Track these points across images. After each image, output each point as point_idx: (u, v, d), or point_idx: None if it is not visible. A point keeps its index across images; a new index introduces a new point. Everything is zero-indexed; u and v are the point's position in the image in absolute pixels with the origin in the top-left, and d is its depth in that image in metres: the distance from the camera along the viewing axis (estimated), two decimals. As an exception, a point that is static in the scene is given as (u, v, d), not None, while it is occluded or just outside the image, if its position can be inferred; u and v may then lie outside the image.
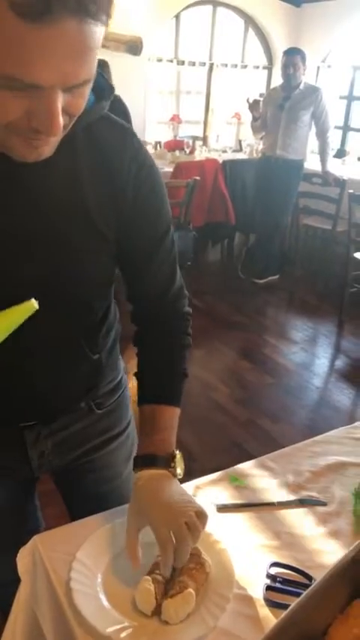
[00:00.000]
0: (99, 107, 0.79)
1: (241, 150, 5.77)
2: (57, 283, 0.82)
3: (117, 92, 0.91)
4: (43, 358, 0.89)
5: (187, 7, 5.38)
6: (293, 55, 4.16)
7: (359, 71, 5.77)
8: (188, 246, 3.96)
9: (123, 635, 0.75)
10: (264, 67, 6.26)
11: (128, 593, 0.81)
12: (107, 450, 1.08)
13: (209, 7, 5.67)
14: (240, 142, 5.93)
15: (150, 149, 4.89)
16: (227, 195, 4.82)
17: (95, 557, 0.86)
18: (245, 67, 6.12)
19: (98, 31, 0.59)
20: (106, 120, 0.82)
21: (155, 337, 0.99)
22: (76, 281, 0.84)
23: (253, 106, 4.55)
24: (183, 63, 5.65)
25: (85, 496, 1.10)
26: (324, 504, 1.02)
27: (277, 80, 5.92)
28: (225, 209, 4.81)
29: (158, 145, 5.30)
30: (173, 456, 0.89)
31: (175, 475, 0.88)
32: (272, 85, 5.95)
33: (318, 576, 0.67)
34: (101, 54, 0.63)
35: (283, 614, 0.60)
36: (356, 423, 1.28)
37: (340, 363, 3.67)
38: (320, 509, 1.01)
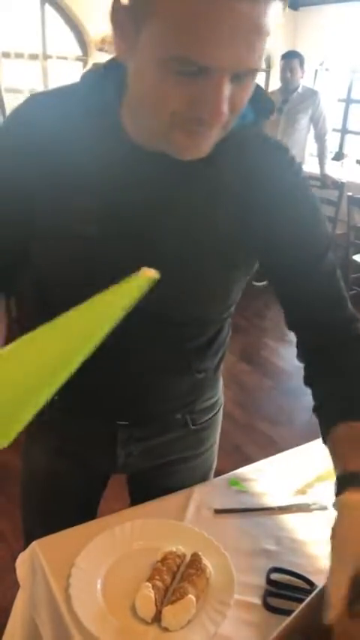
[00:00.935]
0: (256, 125, 0.77)
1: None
2: (180, 298, 0.79)
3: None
4: (150, 366, 0.89)
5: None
6: (291, 59, 4.17)
7: (357, 74, 5.78)
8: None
9: (123, 641, 0.74)
10: (262, 70, 6.27)
11: (128, 599, 0.80)
12: (189, 466, 1.09)
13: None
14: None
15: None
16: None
17: (95, 563, 0.85)
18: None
19: (272, 17, 0.58)
20: (261, 139, 0.80)
21: (330, 363, 0.84)
22: (198, 299, 0.82)
23: None
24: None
25: (151, 498, 1.05)
26: (325, 509, 1.02)
27: (275, 83, 5.93)
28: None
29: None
30: None
31: None
32: (270, 88, 5.97)
33: (319, 582, 0.67)
34: (100, 57, 0.63)
35: (286, 620, 0.59)
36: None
37: None
38: (321, 513, 1.01)
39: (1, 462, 2.39)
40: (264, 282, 4.47)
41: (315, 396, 0.85)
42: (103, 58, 5.33)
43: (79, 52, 5.45)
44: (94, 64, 0.80)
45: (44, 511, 1.10)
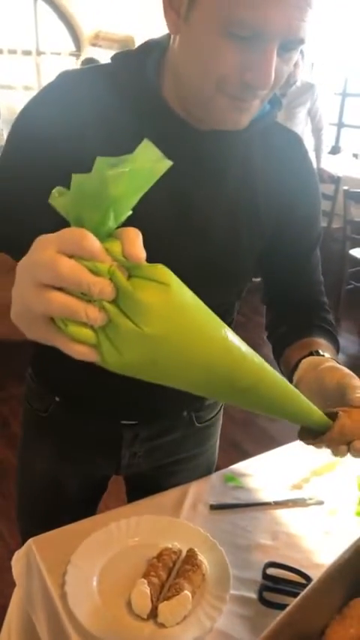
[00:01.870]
0: (273, 113, 0.82)
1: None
2: (205, 274, 0.80)
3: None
4: None
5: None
6: None
7: (353, 68, 5.77)
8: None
9: (119, 638, 0.74)
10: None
11: (124, 595, 0.80)
12: (193, 464, 1.09)
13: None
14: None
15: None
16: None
17: (90, 560, 0.85)
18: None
19: None
20: (279, 127, 0.87)
21: (293, 319, 0.94)
22: (225, 273, 0.85)
23: None
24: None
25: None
26: (321, 503, 1.02)
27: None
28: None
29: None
30: None
31: None
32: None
33: (315, 576, 0.67)
34: (93, 53, 0.63)
35: (280, 614, 0.59)
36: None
37: (339, 361, 3.66)
38: (317, 508, 1.01)
39: (-2, 460, 2.39)
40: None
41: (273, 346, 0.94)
42: (96, 53, 5.31)
43: (72, 48, 5.43)
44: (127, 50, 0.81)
45: (41, 512, 1.09)
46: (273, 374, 0.55)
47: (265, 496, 1.03)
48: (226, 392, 0.53)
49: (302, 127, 4.31)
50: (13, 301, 0.46)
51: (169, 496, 1.01)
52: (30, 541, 0.90)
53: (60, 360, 0.56)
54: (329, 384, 0.70)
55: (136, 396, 0.91)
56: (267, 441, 2.54)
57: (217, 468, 1.12)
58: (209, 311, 0.48)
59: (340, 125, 5.91)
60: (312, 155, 4.45)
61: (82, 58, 5.26)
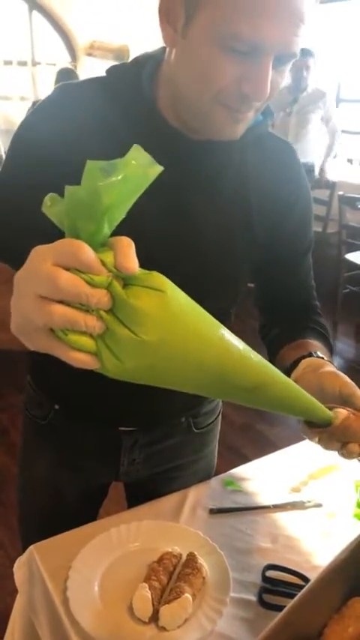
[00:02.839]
0: (265, 123, 0.84)
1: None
2: (200, 283, 0.81)
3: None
4: None
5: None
6: (306, 57, 4.10)
7: (346, 74, 5.82)
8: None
9: (120, 642, 0.75)
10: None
11: (125, 599, 0.81)
12: (192, 470, 1.10)
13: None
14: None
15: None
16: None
17: (91, 565, 0.86)
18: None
19: (312, 6, 0.65)
20: (272, 136, 0.89)
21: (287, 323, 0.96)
22: (220, 280, 0.87)
23: None
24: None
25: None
26: (319, 506, 1.03)
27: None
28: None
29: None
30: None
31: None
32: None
33: (314, 578, 0.68)
34: (89, 63, 0.65)
35: (279, 615, 0.60)
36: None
37: (335, 364, 3.65)
38: (315, 510, 1.02)
39: (-1, 468, 2.39)
40: None
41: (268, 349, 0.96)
42: (91, 63, 5.35)
43: (67, 58, 5.46)
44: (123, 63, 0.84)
45: (42, 519, 1.09)
46: (276, 372, 0.57)
47: (263, 499, 1.04)
48: (230, 391, 0.54)
49: (315, 133, 4.31)
50: (13, 314, 0.47)
51: (169, 501, 1.02)
52: (31, 547, 0.91)
53: (59, 368, 0.57)
54: (330, 389, 0.72)
55: (134, 403, 0.92)
56: (266, 446, 2.55)
57: (217, 473, 1.13)
58: (205, 313, 0.50)
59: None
60: (321, 157, 4.43)
61: (78, 67, 5.30)
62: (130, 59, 0.81)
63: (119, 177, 0.41)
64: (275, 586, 0.85)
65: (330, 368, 0.77)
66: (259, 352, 0.56)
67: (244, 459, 1.16)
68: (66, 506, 1.07)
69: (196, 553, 0.86)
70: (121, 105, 0.77)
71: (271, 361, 0.88)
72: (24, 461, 1.10)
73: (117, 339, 0.44)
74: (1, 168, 0.82)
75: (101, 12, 5.09)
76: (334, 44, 5.58)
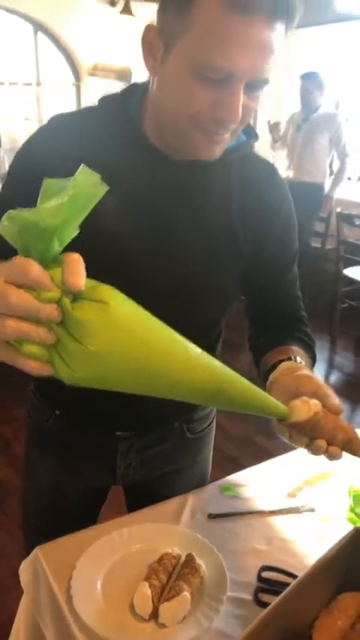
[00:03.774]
0: (249, 144, 0.90)
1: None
2: (187, 295, 0.88)
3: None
4: None
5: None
6: (307, 80, 4.25)
7: (343, 96, 5.93)
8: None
9: (122, 637, 0.79)
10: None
11: (127, 597, 0.85)
12: (187, 474, 1.14)
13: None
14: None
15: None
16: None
17: (95, 564, 0.90)
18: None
19: (281, 37, 0.70)
20: (255, 156, 0.94)
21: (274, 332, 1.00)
22: (206, 295, 0.91)
23: (273, 127, 4.63)
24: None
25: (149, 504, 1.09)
26: (312, 510, 1.06)
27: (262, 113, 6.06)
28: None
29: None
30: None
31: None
32: (261, 115, 6.12)
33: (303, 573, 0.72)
34: (93, 83, 0.71)
35: (268, 607, 0.64)
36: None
37: (334, 378, 3.71)
38: (309, 515, 1.06)
39: (0, 480, 2.42)
40: None
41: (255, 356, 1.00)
42: (95, 83, 5.46)
43: (72, 79, 5.58)
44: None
45: (45, 525, 1.13)
46: (233, 375, 0.61)
47: (260, 505, 1.08)
48: (188, 395, 0.58)
49: (324, 153, 4.36)
50: None
51: (169, 506, 1.06)
52: (37, 549, 0.95)
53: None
54: (305, 390, 0.76)
55: (129, 408, 0.96)
56: (265, 457, 2.57)
57: (214, 482, 1.16)
58: (156, 322, 0.53)
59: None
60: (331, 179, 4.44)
61: (83, 88, 5.41)
62: (131, 82, 0.88)
63: (65, 200, 0.45)
64: (270, 586, 0.89)
65: (306, 371, 0.81)
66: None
67: (242, 468, 1.19)
68: (67, 509, 1.11)
69: (194, 554, 0.90)
70: (111, 129, 0.84)
71: (257, 368, 0.92)
72: (27, 465, 1.14)
73: (68, 349, 0.48)
74: (2, 185, 0.89)
75: (104, 34, 5.21)
76: (334, 64, 5.70)
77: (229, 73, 0.69)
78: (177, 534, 0.96)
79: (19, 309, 0.46)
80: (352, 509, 1.06)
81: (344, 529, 1.01)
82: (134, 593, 0.84)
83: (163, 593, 0.85)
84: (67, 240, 0.47)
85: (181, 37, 0.70)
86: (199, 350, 0.57)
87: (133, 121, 0.84)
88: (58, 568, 0.90)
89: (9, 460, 2.57)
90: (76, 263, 0.47)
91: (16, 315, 0.46)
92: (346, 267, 3.95)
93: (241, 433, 2.78)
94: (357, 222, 3.76)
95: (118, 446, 1.04)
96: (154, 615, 0.82)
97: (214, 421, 1.18)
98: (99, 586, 0.87)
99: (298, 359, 0.86)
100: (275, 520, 1.04)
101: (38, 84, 5.37)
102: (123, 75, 5.11)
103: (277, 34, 0.69)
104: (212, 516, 1.04)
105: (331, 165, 4.62)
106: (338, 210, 3.97)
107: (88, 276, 0.48)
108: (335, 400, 0.74)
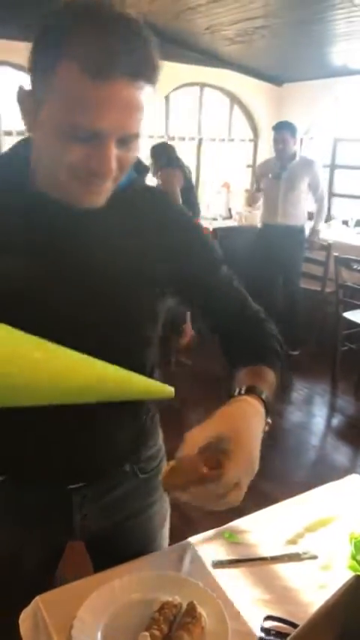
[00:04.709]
0: (141, 179, 1.02)
1: (230, 217, 6.02)
2: (110, 331, 0.90)
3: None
4: (90, 413, 0.87)
5: (176, 88, 5.76)
6: (280, 131, 4.40)
7: (340, 142, 6.12)
8: (182, 312, 4.05)
9: None
10: (250, 140, 6.61)
11: (127, 648, 0.84)
12: (146, 516, 1.13)
13: (197, 88, 6.06)
14: (230, 209, 6.18)
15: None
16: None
17: (95, 614, 0.89)
18: (232, 140, 6.47)
19: (144, 94, 0.75)
20: (147, 189, 1.03)
21: (242, 341, 1.00)
22: (128, 326, 0.93)
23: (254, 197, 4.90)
24: (173, 138, 5.97)
25: (114, 558, 1.06)
26: (315, 557, 1.06)
27: (263, 151, 6.23)
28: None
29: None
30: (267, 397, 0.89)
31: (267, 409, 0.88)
32: (258, 155, 6.29)
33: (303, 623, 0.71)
34: None
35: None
36: (346, 478, 1.32)
37: (335, 421, 3.70)
38: (312, 562, 1.05)
39: None
40: (297, 352, 4.53)
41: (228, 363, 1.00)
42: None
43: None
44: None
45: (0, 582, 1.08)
46: (108, 367, 0.73)
47: (261, 551, 1.07)
48: (74, 396, 0.72)
49: (303, 197, 4.52)
50: None
51: (170, 553, 1.06)
52: (37, 598, 0.94)
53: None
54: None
55: (77, 460, 0.98)
56: (266, 502, 2.53)
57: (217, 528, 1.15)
58: (19, 338, 0.70)
59: (330, 195, 6.18)
60: (311, 222, 4.63)
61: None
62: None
63: None
64: (273, 636, 0.88)
65: (227, 408, 0.82)
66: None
67: (243, 514, 1.18)
68: (22, 569, 1.07)
69: (195, 602, 0.90)
70: (4, 191, 0.87)
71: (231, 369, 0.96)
72: None
73: None
74: None
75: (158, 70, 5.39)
76: (330, 116, 5.91)
77: (96, 132, 0.73)
78: (178, 582, 0.96)
79: None
80: (353, 557, 1.05)
81: (346, 577, 1.01)
82: (135, 643, 0.83)
83: (165, 643, 0.84)
84: None
85: (48, 100, 0.75)
86: (74, 352, 0.72)
87: (18, 169, 0.86)
88: (58, 618, 0.90)
89: None
90: None
91: None
92: (345, 310, 4.00)
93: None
94: (355, 267, 3.82)
95: (72, 499, 1.02)
96: (156, 666, 0.81)
97: (164, 459, 1.15)
98: (99, 637, 0.86)
99: (264, 393, 0.87)
100: (277, 567, 1.04)
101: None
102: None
103: (142, 90, 0.74)
104: (216, 564, 1.03)
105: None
106: (336, 254, 4.04)
107: None
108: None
